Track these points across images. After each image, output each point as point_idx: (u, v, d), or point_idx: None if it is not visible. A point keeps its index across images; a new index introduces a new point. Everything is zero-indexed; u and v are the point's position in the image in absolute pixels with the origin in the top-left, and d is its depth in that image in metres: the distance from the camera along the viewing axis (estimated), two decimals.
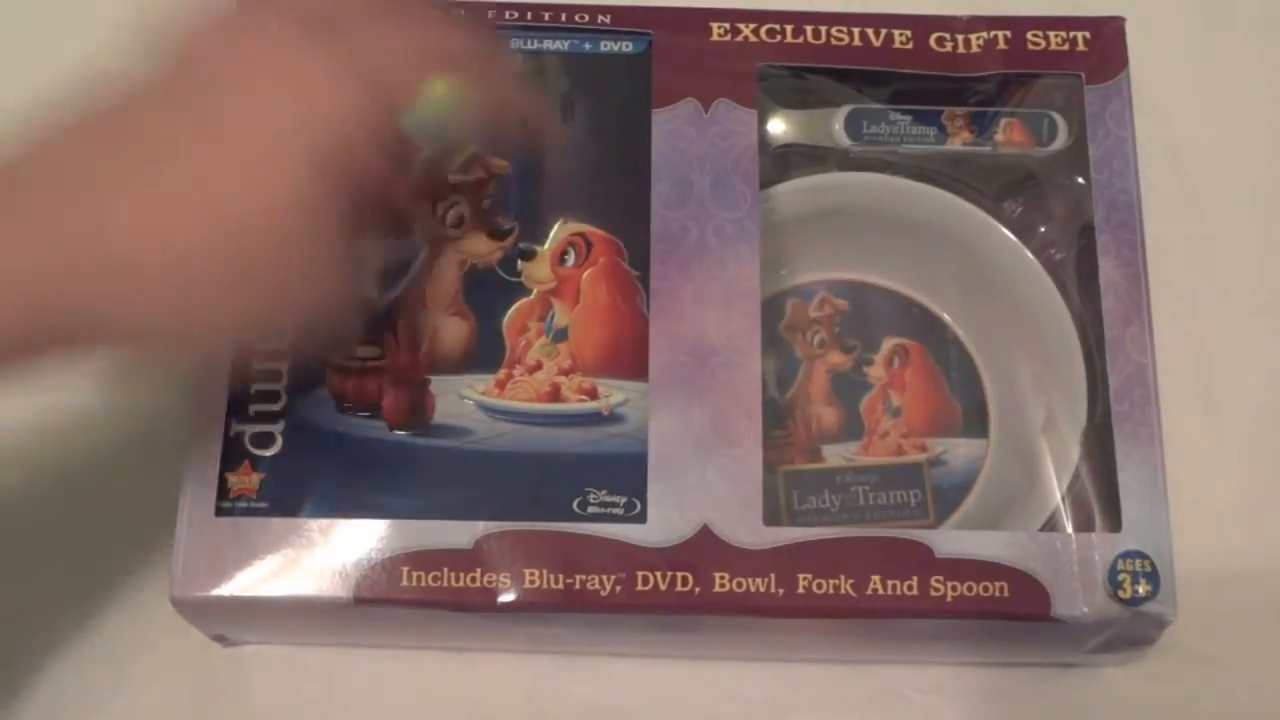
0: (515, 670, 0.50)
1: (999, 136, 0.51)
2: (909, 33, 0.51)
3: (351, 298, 0.44)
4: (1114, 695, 0.50)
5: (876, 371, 0.53)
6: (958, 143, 0.51)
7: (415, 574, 0.44)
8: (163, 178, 0.37)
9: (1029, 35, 0.51)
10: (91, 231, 0.36)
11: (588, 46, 0.51)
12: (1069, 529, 0.46)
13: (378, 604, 0.44)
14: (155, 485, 0.48)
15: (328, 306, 0.40)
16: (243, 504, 0.45)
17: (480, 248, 0.49)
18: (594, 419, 0.47)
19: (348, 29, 0.40)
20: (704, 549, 0.44)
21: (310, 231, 0.38)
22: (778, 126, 0.52)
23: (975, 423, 0.52)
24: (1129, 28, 0.51)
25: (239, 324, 0.40)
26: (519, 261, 0.49)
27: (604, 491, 0.46)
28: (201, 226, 0.37)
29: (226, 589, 0.44)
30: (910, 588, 0.44)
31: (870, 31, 0.51)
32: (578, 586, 0.44)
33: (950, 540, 0.45)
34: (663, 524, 0.45)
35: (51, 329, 0.35)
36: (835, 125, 0.51)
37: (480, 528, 0.45)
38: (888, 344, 0.53)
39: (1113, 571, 0.44)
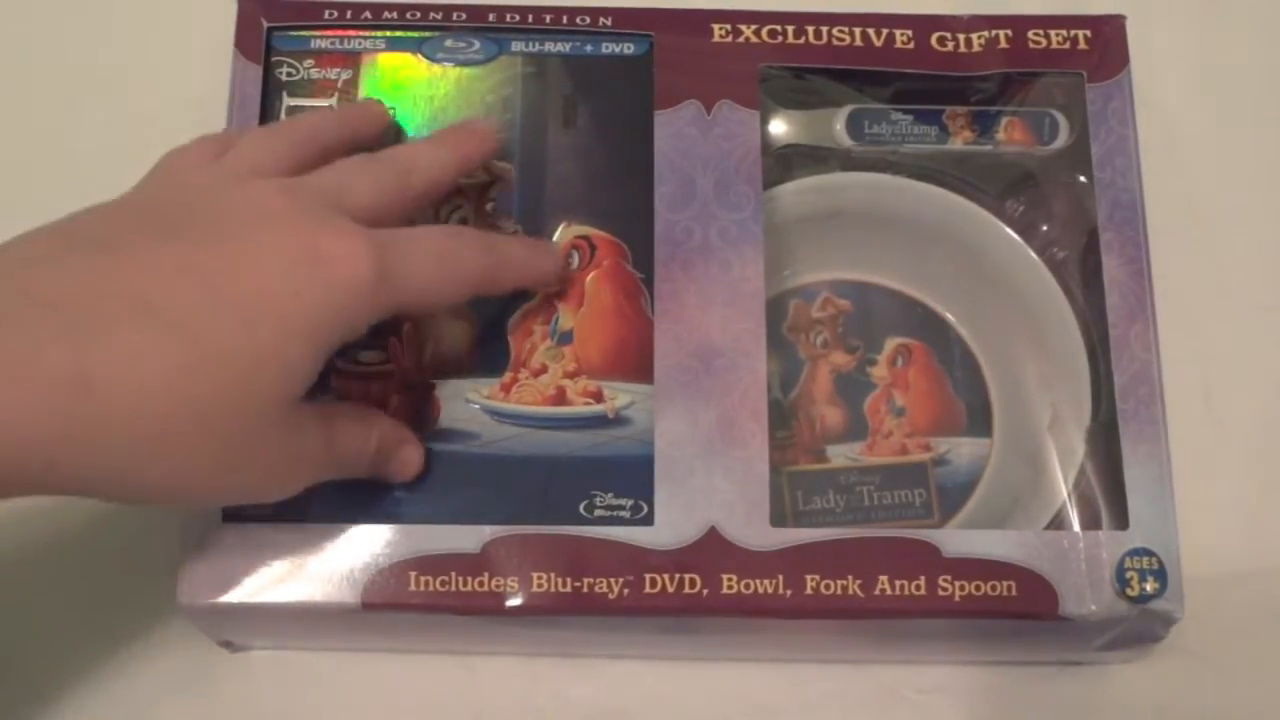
0: (523, 674, 0.50)
1: (1000, 135, 0.51)
2: (910, 32, 0.51)
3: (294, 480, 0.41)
4: (1120, 693, 0.50)
5: (880, 371, 0.53)
6: (959, 142, 0.51)
7: (423, 579, 0.44)
8: (153, 326, 0.35)
9: (1030, 34, 0.51)
10: (72, 376, 0.34)
11: (589, 49, 0.51)
12: (1075, 527, 0.46)
13: (385, 609, 0.44)
14: None
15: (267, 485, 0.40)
16: (249, 510, 0.45)
17: None
18: (600, 422, 0.47)
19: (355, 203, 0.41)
20: (711, 551, 0.44)
21: (283, 399, 0.38)
22: (779, 127, 0.52)
23: (979, 422, 0.52)
24: (1130, 26, 0.51)
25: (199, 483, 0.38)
26: None
27: (611, 494, 0.46)
28: (185, 380, 0.35)
29: (233, 595, 0.44)
30: (918, 587, 0.44)
31: (871, 31, 0.51)
32: (586, 590, 0.44)
33: (958, 540, 0.45)
34: (670, 526, 0.45)
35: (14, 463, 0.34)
36: (837, 125, 0.51)
37: (487, 532, 0.45)
38: (891, 344, 0.53)
39: (1120, 569, 0.45)
